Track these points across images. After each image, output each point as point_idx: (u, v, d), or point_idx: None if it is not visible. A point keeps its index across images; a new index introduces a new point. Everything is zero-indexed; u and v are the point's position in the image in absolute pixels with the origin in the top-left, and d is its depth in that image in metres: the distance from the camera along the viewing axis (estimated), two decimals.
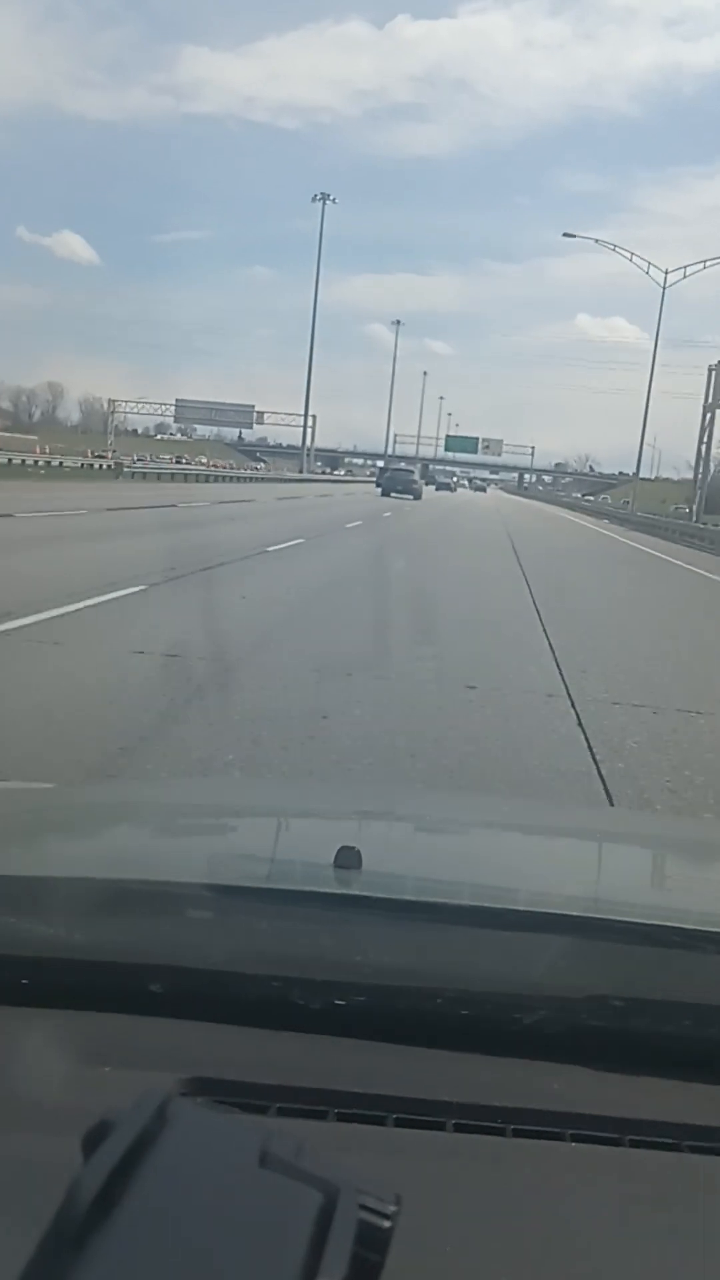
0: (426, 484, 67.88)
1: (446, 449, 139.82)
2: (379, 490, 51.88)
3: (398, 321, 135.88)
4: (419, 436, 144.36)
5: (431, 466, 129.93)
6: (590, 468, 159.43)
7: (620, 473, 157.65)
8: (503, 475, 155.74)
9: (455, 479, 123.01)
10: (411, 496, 48.34)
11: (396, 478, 52.82)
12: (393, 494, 48.05)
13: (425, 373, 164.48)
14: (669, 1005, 0.91)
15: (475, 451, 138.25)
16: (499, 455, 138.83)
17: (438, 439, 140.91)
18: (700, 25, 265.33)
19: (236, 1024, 0.90)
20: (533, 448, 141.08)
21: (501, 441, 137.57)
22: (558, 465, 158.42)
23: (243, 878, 1.19)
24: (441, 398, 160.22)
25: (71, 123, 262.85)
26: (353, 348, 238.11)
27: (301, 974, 0.91)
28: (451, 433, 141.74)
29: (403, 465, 67.63)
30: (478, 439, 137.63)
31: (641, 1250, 0.71)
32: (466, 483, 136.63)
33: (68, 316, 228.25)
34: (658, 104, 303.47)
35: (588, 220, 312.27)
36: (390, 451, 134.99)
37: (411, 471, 59.73)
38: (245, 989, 0.92)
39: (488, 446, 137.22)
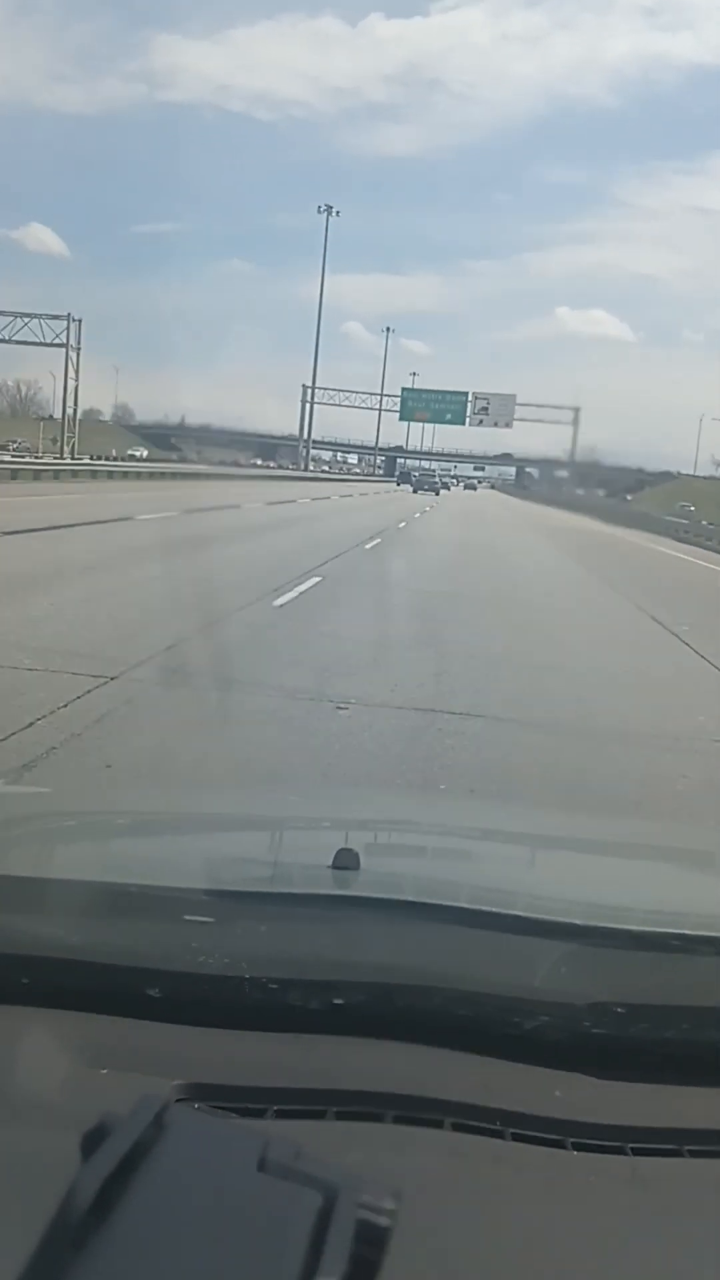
0: (401, 482, 79.80)
1: (402, 416, 79.35)
2: (410, 489, 67.42)
3: (330, 208, 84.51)
4: (381, 398, 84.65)
5: (407, 461, 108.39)
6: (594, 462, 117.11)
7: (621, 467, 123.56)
8: (487, 471, 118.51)
9: (441, 477, 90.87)
10: (433, 494, 63.24)
11: (423, 480, 72.92)
12: (419, 491, 63.35)
13: (389, 329, 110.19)
14: (669, 1010, 0.90)
15: (462, 421, 77.41)
16: (507, 425, 77.40)
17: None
18: (678, 16, 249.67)
19: (235, 1028, 0.90)
20: (577, 411, 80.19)
21: (513, 398, 76.86)
22: (544, 460, 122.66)
23: (241, 882, 1.21)
24: (414, 374, 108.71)
25: (46, 112, 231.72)
26: (330, 346, 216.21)
27: (300, 975, 0.91)
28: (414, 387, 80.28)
29: (429, 469, 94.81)
30: (466, 395, 76.60)
31: (641, 1253, 0.70)
32: (454, 480, 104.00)
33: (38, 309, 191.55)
34: (637, 98, 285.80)
35: (567, 215, 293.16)
36: (307, 428, 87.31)
37: (433, 474, 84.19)
38: (244, 993, 0.90)
39: (484, 410, 76.00)
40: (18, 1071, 0.81)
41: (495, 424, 77.55)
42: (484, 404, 76.67)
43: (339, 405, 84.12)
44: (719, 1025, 0.89)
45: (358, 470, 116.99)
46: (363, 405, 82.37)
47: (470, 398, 77.42)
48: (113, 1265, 0.45)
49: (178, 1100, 0.76)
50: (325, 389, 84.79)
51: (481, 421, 77.77)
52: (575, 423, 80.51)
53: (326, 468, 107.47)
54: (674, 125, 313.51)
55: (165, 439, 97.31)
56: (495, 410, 76.70)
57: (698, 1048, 0.89)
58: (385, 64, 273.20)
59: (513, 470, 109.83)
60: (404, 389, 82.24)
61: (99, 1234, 0.46)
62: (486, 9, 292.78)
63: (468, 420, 77.80)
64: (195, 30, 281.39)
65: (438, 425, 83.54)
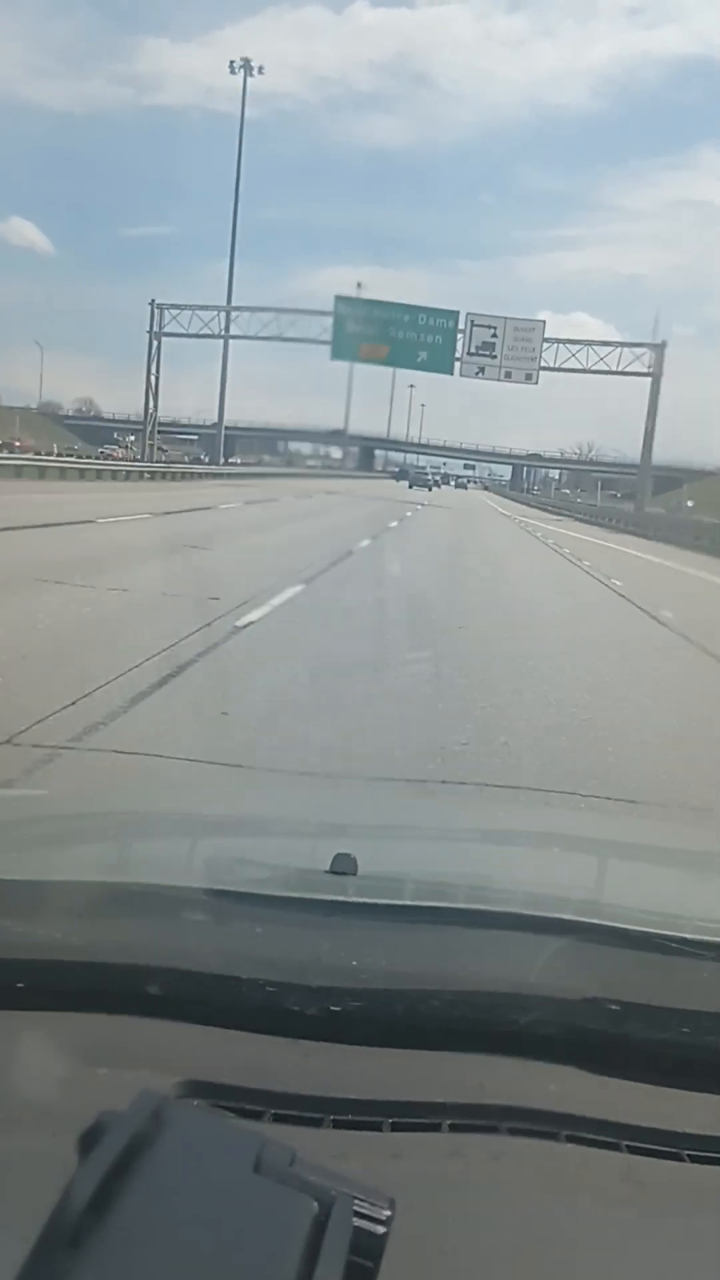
0: (399, 478, 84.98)
1: (336, 352, 44.10)
2: (406, 484, 72.50)
3: (248, 62, 54.00)
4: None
5: (389, 455, 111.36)
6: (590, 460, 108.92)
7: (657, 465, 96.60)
8: (477, 470, 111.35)
9: (432, 474, 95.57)
10: (426, 489, 70.20)
11: (417, 478, 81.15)
12: (414, 487, 69.97)
13: (360, 285, 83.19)
14: (665, 1011, 0.90)
15: (448, 366, 42.34)
16: (528, 378, 42.38)
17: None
18: (661, 14, 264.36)
19: (233, 1028, 0.90)
20: (660, 347, 45.08)
21: (541, 327, 42.24)
22: (531, 454, 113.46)
23: (239, 883, 1.23)
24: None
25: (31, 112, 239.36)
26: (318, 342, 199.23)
27: (298, 979, 0.91)
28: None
29: (422, 467, 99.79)
30: (455, 317, 41.57)
31: (639, 1256, 0.71)
32: (442, 479, 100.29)
33: (24, 308, 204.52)
34: (621, 96, 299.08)
35: (554, 217, 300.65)
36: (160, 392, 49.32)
37: (424, 470, 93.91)
38: (242, 993, 0.91)
39: (487, 349, 41.27)
40: (15, 1072, 0.81)
41: (507, 375, 41.78)
42: (488, 336, 41.20)
43: (204, 336, 47.71)
44: (717, 1030, 0.89)
45: (314, 462, 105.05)
46: (265, 334, 45.95)
47: (464, 323, 41.70)
48: (110, 1263, 0.45)
49: (176, 1097, 0.76)
50: (180, 307, 48.37)
51: (482, 370, 41.90)
52: (657, 366, 43.49)
53: (237, 460, 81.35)
54: (661, 121, 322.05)
55: (109, 433, 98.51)
56: (508, 352, 41.23)
57: (695, 1051, 0.89)
58: (372, 52, 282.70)
59: (506, 469, 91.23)
60: (338, 298, 43.78)
61: (96, 1232, 0.46)
62: (471, 8, 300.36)
63: (458, 367, 42.09)
64: (181, 33, 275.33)
65: (417, 393, 49.64)
